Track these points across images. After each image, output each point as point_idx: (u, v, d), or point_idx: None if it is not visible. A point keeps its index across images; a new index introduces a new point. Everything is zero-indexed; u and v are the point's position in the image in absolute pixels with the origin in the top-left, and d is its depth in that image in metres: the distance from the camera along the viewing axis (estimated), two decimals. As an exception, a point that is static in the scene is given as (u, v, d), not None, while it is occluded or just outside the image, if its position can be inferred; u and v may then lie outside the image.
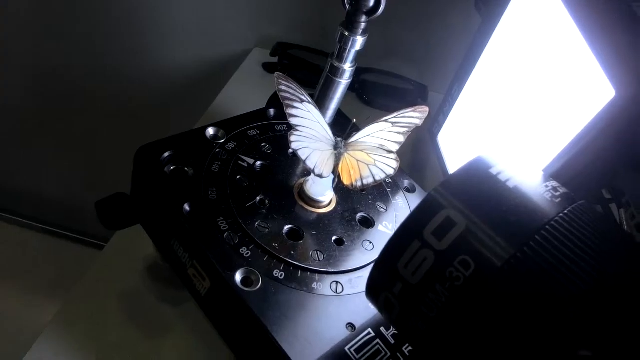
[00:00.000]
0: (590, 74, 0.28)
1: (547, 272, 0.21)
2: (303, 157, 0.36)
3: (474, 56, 0.41)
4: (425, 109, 0.36)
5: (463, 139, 0.44)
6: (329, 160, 0.36)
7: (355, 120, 0.39)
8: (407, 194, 0.43)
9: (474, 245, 0.22)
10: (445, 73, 0.69)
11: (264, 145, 0.41)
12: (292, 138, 0.35)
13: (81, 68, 0.85)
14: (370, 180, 0.37)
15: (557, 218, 0.22)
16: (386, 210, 0.40)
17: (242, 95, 0.64)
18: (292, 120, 0.35)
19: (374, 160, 0.37)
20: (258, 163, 0.39)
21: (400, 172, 0.42)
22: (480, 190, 0.24)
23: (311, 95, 0.38)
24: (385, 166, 0.37)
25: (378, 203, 0.40)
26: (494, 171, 0.25)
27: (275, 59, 0.71)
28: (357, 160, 0.37)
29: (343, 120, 0.45)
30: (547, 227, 0.22)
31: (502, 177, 0.24)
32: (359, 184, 0.37)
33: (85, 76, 0.86)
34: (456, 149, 0.45)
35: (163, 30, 0.78)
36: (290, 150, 0.40)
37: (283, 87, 0.34)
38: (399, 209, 0.41)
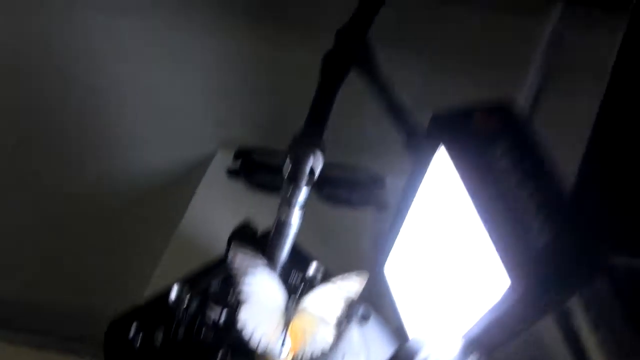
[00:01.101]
0: (492, 259, 0.29)
1: None
2: (247, 336, 0.38)
3: (408, 198, 0.41)
4: (366, 275, 0.40)
5: (407, 273, 0.45)
6: (275, 331, 0.39)
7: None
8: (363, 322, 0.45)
9: None
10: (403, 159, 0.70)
11: (230, 296, 0.43)
12: (241, 315, 0.38)
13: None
14: (307, 357, 0.39)
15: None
16: None
17: (210, 208, 0.66)
18: (242, 296, 0.38)
19: (314, 332, 0.39)
20: (222, 319, 0.42)
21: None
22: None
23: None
24: (323, 339, 0.39)
25: None
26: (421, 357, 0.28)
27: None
28: (302, 329, 0.39)
29: (299, 255, 0.48)
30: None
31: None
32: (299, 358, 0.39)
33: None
34: (402, 283, 0.46)
35: (124, 140, 0.80)
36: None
37: (236, 264, 0.38)
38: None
